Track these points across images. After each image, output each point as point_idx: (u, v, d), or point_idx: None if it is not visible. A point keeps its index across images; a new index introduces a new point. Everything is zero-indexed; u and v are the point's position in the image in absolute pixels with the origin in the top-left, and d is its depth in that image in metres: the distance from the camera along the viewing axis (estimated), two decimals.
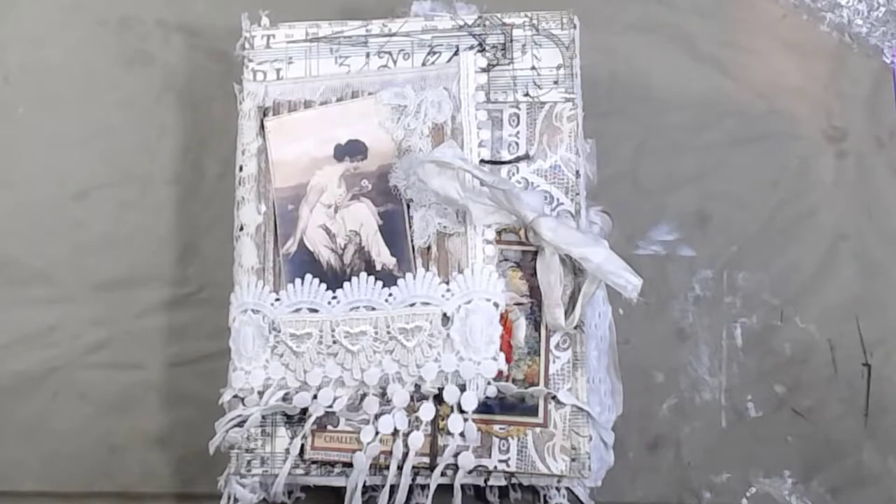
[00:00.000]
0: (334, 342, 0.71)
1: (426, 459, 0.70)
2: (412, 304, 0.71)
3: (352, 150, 0.75)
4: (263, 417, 0.72)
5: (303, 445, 0.71)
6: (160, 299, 0.83)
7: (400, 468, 0.70)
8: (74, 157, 0.86)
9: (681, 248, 0.83)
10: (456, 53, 0.75)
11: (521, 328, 0.72)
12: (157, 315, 0.83)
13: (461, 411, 0.70)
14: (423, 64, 0.76)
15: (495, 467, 0.70)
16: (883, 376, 0.80)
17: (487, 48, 0.75)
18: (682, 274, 0.82)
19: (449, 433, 0.70)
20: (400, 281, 0.72)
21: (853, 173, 0.84)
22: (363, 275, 0.72)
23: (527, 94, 0.75)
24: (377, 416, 0.71)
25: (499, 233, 0.72)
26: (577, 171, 0.73)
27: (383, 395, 0.71)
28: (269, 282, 0.73)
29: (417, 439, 0.70)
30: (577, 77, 0.75)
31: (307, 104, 0.76)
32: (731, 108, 0.86)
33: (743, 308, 0.82)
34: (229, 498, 0.72)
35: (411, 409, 0.71)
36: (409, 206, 0.73)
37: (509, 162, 0.74)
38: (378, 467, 0.71)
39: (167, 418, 0.81)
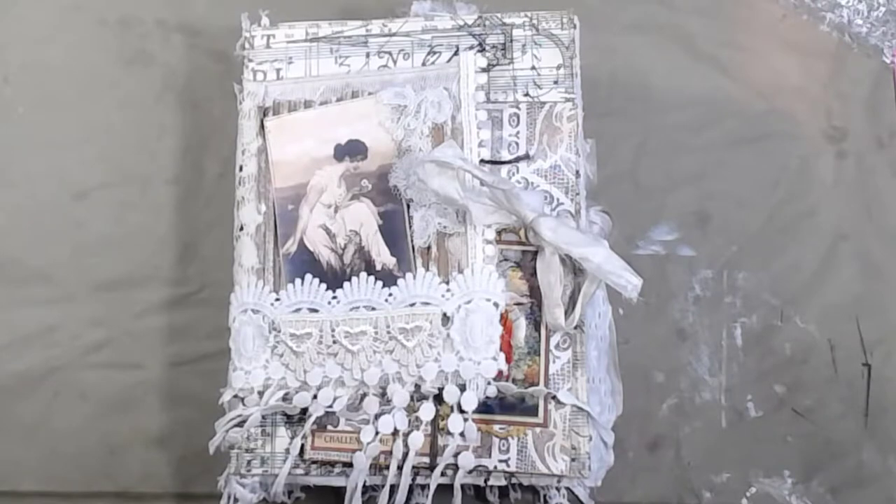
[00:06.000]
0: (334, 342, 0.71)
1: (426, 459, 0.70)
2: (412, 304, 0.71)
3: (352, 150, 0.75)
4: (263, 417, 0.72)
5: (303, 445, 0.71)
6: (160, 299, 0.83)
7: (400, 468, 0.70)
8: (74, 157, 0.86)
9: (681, 248, 0.83)
10: (456, 53, 0.75)
11: (521, 328, 0.72)
12: (157, 315, 0.83)
13: (461, 411, 0.70)
14: (423, 64, 0.75)
15: (495, 467, 0.70)
16: (883, 376, 0.80)
17: (487, 48, 0.75)
18: (682, 274, 0.82)
19: (449, 433, 0.70)
20: (400, 281, 0.72)
21: (853, 173, 0.84)
22: (363, 275, 0.72)
23: (527, 94, 0.75)
24: (377, 416, 0.71)
25: (499, 233, 0.72)
26: (577, 171, 0.73)
27: (383, 395, 0.71)
28: (269, 282, 0.73)
29: (417, 439, 0.70)
30: (577, 77, 0.75)
31: (307, 104, 0.76)
32: (731, 108, 0.86)
33: (743, 308, 0.82)
34: (229, 498, 0.72)
35: (411, 409, 0.71)
36: (409, 206, 0.73)
37: (509, 162, 0.74)
38: (378, 467, 0.71)
39: (167, 418, 0.81)
